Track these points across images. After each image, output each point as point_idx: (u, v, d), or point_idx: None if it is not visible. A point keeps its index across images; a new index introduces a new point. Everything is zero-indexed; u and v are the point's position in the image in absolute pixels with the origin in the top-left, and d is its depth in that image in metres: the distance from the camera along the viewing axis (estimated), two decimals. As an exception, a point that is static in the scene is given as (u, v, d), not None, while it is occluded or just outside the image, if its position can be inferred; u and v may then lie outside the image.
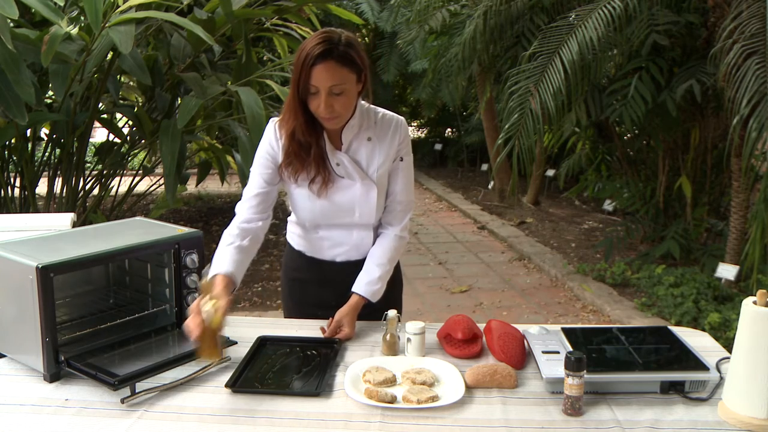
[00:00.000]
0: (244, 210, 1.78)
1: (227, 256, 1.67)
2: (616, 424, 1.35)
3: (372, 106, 1.80)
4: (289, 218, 1.97)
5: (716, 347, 1.74)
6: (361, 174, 1.78)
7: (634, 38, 4.27)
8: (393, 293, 1.94)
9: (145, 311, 1.79)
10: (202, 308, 1.44)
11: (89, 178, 5.13)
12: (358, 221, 1.84)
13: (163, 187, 4.66)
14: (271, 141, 1.78)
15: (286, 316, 2.02)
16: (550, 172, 7.63)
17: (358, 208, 1.81)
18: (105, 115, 5.14)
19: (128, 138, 5.26)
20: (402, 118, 1.83)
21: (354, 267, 1.85)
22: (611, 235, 5.41)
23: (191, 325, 1.43)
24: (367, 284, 1.81)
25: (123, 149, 5.31)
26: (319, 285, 1.93)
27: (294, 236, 1.96)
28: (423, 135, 12.12)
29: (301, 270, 1.95)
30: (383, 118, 1.80)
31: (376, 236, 1.89)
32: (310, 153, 1.73)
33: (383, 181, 1.82)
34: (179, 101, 4.97)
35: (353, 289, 1.81)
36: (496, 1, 4.98)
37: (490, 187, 8.58)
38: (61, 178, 4.68)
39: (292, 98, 1.67)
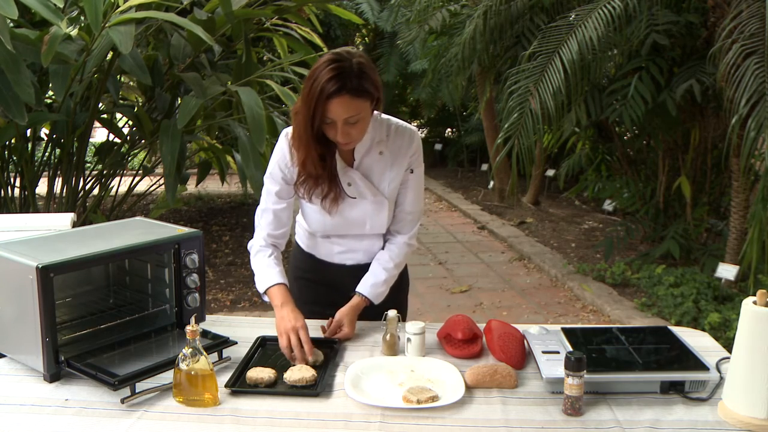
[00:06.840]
0: (264, 225, 1.82)
1: (274, 267, 1.77)
2: (616, 424, 1.35)
3: (385, 116, 1.76)
4: (297, 218, 1.96)
5: (716, 347, 1.74)
6: (372, 191, 1.77)
7: (633, 38, 4.26)
8: (399, 297, 1.95)
9: (145, 311, 1.79)
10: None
11: (89, 178, 5.12)
12: (368, 232, 1.85)
13: (163, 187, 4.66)
14: (285, 157, 1.76)
15: None
16: (550, 172, 7.62)
17: (369, 222, 1.82)
18: (105, 115, 5.13)
19: (128, 138, 5.26)
20: (415, 129, 1.81)
21: (363, 270, 1.86)
22: (611, 235, 5.41)
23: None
24: (372, 286, 1.82)
25: (123, 149, 5.31)
26: (327, 286, 1.94)
27: (303, 238, 1.97)
28: (423, 135, 12.12)
29: (309, 271, 1.96)
30: (396, 130, 1.77)
31: (385, 241, 1.90)
32: (324, 174, 1.73)
33: (395, 194, 1.82)
34: (179, 101, 4.97)
35: (357, 289, 1.82)
36: (496, 1, 4.97)
37: (490, 187, 8.58)
38: (61, 178, 4.67)
39: (304, 131, 1.62)
